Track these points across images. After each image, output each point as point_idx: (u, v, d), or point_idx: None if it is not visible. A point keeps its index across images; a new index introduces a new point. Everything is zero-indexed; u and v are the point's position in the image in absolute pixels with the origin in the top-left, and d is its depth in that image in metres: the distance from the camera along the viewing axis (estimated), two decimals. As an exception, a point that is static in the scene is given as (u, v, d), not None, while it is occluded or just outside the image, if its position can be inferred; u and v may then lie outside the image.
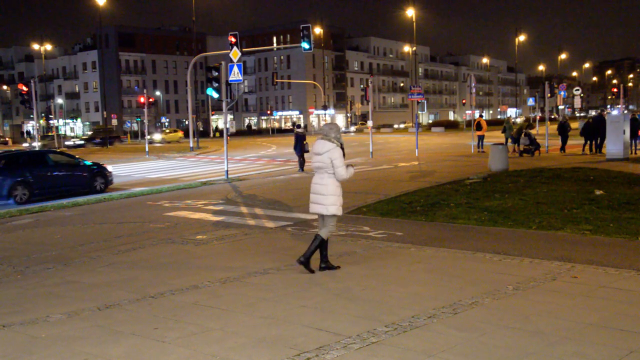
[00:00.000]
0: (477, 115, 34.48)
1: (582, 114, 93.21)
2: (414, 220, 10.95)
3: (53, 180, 17.54)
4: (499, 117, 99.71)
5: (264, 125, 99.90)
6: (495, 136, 34.71)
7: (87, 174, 18.46)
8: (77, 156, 20.53)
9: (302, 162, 21.91)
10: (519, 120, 77.52)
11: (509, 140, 27.07)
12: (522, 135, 25.37)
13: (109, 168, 19.55)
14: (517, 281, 6.61)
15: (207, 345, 5.01)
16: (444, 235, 9.46)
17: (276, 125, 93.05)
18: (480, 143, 28.38)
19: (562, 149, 26.17)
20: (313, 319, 5.60)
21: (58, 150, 24.81)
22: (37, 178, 16.97)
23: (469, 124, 49.54)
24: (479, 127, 28.63)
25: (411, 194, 13.93)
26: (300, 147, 21.81)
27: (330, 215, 7.22)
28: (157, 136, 65.50)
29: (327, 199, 7.16)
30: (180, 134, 68.05)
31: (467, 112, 69.38)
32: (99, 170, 18.88)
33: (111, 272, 7.79)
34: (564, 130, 26.52)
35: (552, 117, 72.03)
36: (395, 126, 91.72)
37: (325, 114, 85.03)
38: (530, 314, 5.52)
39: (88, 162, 19.08)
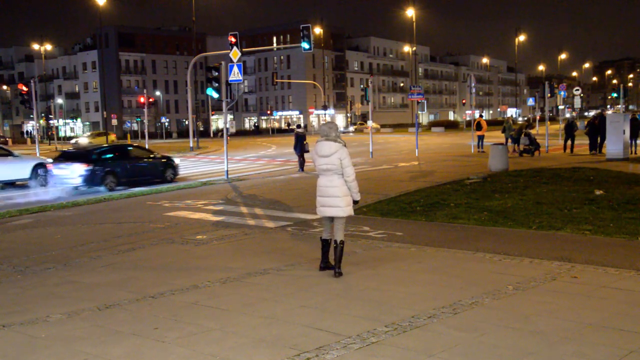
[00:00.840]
0: (477, 115, 34.50)
1: (590, 113, 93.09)
2: (414, 220, 10.95)
3: (135, 170, 19.74)
4: (499, 117, 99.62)
5: (264, 125, 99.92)
6: (496, 136, 34.71)
7: (161, 165, 20.75)
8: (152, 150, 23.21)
9: (302, 162, 21.93)
10: (520, 120, 77.48)
11: (509, 140, 27.05)
12: (522, 135, 25.37)
13: (176, 160, 21.71)
14: (517, 281, 6.61)
15: (207, 345, 5.01)
16: (444, 235, 9.46)
17: (276, 125, 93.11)
18: (480, 143, 28.37)
19: (571, 149, 26.00)
20: (313, 319, 5.60)
21: (136, 144, 27.52)
22: (122, 168, 19.20)
23: (469, 124, 49.54)
24: (479, 127, 28.65)
25: (411, 194, 13.92)
26: (301, 147, 21.83)
27: (345, 216, 7.21)
28: (83, 140, 58.47)
29: (342, 200, 7.11)
30: (112, 137, 59.82)
31: (467, 112, 69.44)
32: (169, 162, 21.10)
33: (111, 272, 7.79)
34: (571, 130, 26.38)
35: (556, 117, 72.01)
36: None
37: (325, 114, 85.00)
38: (530, 314, 5.52)
39: (159, 155, 21.36)
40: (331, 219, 7.28)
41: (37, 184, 20.44)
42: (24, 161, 21.40)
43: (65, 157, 19.62)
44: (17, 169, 20.83)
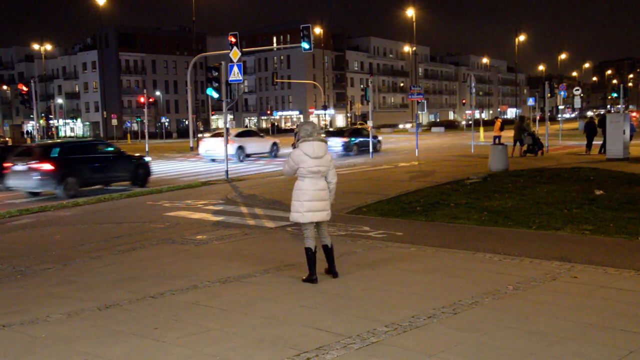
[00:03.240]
0: (477, 115, 34.62)
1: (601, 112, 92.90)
2: (414, 220, 10.95)
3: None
4: (506, 116, 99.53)
5: (263, 125, 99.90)
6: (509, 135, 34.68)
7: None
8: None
9: None
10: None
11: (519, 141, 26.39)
12: (526, 135, 25.33)
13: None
14: (517, 281, 6.61)
15: (207, 345, 5.01)
16: (444, 235, 9.46)
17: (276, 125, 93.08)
18: (498, 141, 28.59)
19: (589, 148, 25.74)
20: (313, 319, 5.60)
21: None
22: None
23: (468, 124, 49.58)
24: (501, 127, 29.14)
25: (411, 194, 13.92)
26: None
27: (329, 219, 7.05)
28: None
29: (328, 203, 6.94)
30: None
31: (467, 112, 69.39)
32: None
33: (111, 272, 7.78)
34: (591, 130, 26.01)
35: (556, 117, 71.91)
36: (401, 126, 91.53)
37: (325, 114, 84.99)
38: (530, 314, 5.52)
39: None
40: (319, 224, 6.96)
41: (272, 156, 31.20)
42: (267, 141, 31.92)
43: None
44: (264, 146, 31.41)
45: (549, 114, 33.66)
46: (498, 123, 29.61)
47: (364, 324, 5.38)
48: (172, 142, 64.19)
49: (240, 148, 29.27)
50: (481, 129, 46.76)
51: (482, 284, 6.56)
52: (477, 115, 35.41)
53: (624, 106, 49.22)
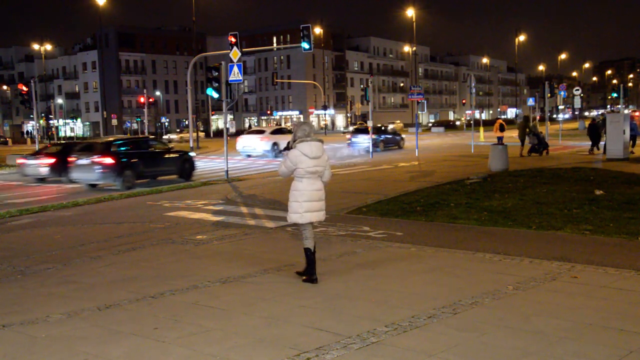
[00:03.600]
0: (477, 115, 34.76)
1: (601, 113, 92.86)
2: (414, 220, 10.95)
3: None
4: (506, 116, 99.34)
5: (264, 125, 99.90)
6: (513, 135, 34.85)
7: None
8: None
9: None
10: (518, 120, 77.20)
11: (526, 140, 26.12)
12: (531, 135, 25.37)
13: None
14: (517, 281, 6.61)
15: (207, 345, 5.01)
16: (444, 235, 9.46)
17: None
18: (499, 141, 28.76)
19: (591, 149, 25.70)
20: (313, 319, 5.60)
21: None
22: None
23: (469, 124, 49.57)
24: (501, 128, 29.38)
25: (411, 194, 13.92)
26: None
27: (323, 220, 7.06)
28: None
29: (325, 204, 6.96)
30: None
31: (467, 112, 69.41)
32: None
33: (111, 272, 7.78)
34: (593, 131, 25.97)
35: (556, 117, 71.90)
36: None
37: (325, 114, 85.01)
38: (530, 314, 5.52)
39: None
40: (311, 224, 6.93)
41: None
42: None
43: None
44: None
45: (549, 114, 33.71)
46: (497, 124, 29.79)
47: (364, 324, 5.38)
48: (172, 143, 64.18)
49: (275, 144, 31.00)
50: (481, 129, 46.76)
51: (482, 284, 6.56)
52: (477, 115, 35.99)
53: (623, 106, 49.20)
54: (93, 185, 19.38)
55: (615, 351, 4.61)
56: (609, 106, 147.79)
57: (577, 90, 44.36)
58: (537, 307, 5.71)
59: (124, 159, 18.64)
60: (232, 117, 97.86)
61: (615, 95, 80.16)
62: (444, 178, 16.94)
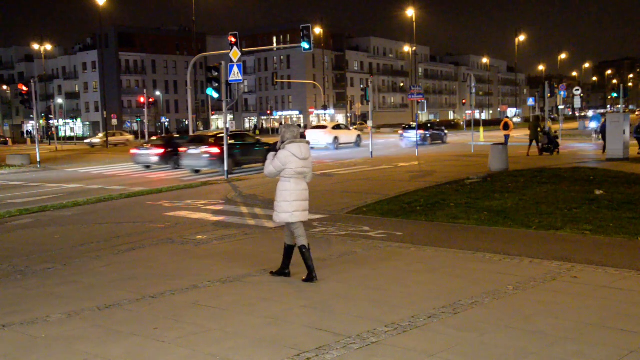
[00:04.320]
0: (477, 115, 35.03)
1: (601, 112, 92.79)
2: (414, 220, 10.95)
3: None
4: (506, 116, 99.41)
5: (264, 125, 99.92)
6: (514, 135, 35.54)
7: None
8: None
9: None
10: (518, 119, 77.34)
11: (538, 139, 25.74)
12: (542, 134, 25.44)
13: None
14: (517, 281, 6.61)
15: (207, 345, 5.01)
16: (444, 235, 9.46)
17: (276, 125, 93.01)
18: (506, 141, 29.29)
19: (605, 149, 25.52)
20: (313, 319, 5.60)
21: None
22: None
23: (468, 124, 49.66)
24: (506, 127, 30.28)
25: (411, 194, 13.92)
26: None
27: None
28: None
29: (308, 204, 7.08)
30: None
31: (467, 112, 69.40)
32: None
33: (111, 272, 7.78)
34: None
35: (557, 117, 71.90)
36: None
37: (325, 114, 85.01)
38: (530, 314, 5.52)
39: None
40: (295, 224, 7.01)
41: (356, 145, 37.57)
42: (354, 133, 39.24)
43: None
44: (351, 137, 38.34)
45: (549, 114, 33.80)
46: (502, 122, 30.71)
47: (364, 324, 5.38)
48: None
49: (336, 138, 36.69)
50: (481, 129, 46.77)
51: (482, 284, 6.56)
52: (477, 115, 36.82)
53: (623, 106, 49.21)
54: (197, 171, 23.41)
55: (615, 351, 4.61)
56: (609, 106, 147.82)
57: (577, 90, 44.36)
58: (537, 307, 5.72)
59: (228, 149, 20.89)
60: (232, 117, 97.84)
61: (615, 95, 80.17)
62: (444, 178, 16.94)
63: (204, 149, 22.48)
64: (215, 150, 22.06)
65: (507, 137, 29.58)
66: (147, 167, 26.50)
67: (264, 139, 28.38)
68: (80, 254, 9.01)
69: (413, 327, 5.27)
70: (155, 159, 25.76)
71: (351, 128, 43.51)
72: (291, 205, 6.86)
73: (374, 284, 6.72)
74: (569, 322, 5.30)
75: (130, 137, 63.60)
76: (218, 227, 10.92)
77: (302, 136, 22.09)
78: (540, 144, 25.19)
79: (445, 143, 40.45)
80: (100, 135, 61.87)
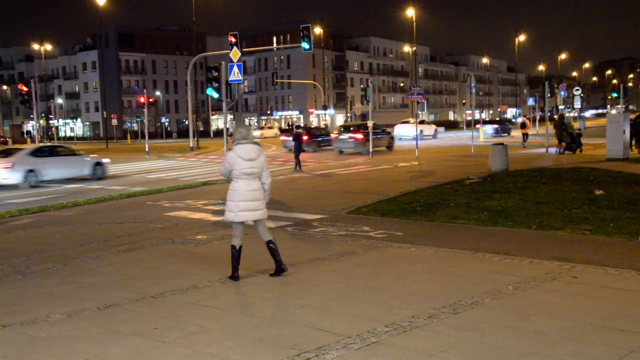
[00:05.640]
0: (477, 115, 35.24)
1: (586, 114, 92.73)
2: (414, 220, 10.95)
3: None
4: (506, 116, 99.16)
5: (264, 124, 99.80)
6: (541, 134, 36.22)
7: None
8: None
9: (298, 162, 22.12)
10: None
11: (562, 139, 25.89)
12: (565, 133, 25.59)
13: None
14: (517, 281, 6.61)
15: (207, 345, 5.01)
16: (444, 235, 9.46)
17: (276, 125, 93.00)
18: (524, 139, 32.28)
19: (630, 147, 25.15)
20: (313, 319, 5.60)
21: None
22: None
23: (469, 124, 49.73)
24: (523, 125, 32.09)
25: (411, 194, 13.92)
26: (298, 148, 22.21)
27: (265, 218, 7.21)
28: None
29: (263, 202, 7.13)
30: None
31: (467, 112, 69.47)
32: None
33: (111, 272, 7.79)
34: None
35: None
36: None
37: (325, 114, 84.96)
38: (530, 314, 5.52)
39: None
40: (256, 222, 7.18)
41: (434, 138, 46.00)
42: (432, 127, 48.75)
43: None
44: (430, 130, 47.84)
45: (549, 114, 33.92)
46: (520, 122, 31.94)
47: (364, 324, 5.38)
48: (172, 143, 64.25)
49: (422, 131, 43.95)
50: (481, 129, 46.75)
51: (482, 284, 6.56)
52: (477, 115, 38.36)
53: (623, 106, 49.19)
54: (341, 152, 31.13)
55: (615, 351, 4.61)
56: (609, 106, 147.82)
57: (577, 90, 44.35)
58: (537, 307, 5.72)
59: (367, 136, 28.41)
60: (232, 117, 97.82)
61: (615, 95, 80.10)
62: (444, 178, 16.94)
63: (351, 135, 30.58)
64: (360, 136, 29.94)
65: (525, 135, 30.46)
66: (290, 150, 32.62)
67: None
68: (80, 254, 9.01)
69: (413, 327, 5.27)
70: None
71: (431, 123, 52.76)
72: (237, 205, 6.97)
73: (374, 284, 6.72)
74: (569, 322, 5.30)
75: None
76: (218, 227, 10.92)
77: (369, 127, 27.62)
78: (564, 143, 25.44)
79: (511, 135, 46.71)
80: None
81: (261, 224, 7.23)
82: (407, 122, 48.37)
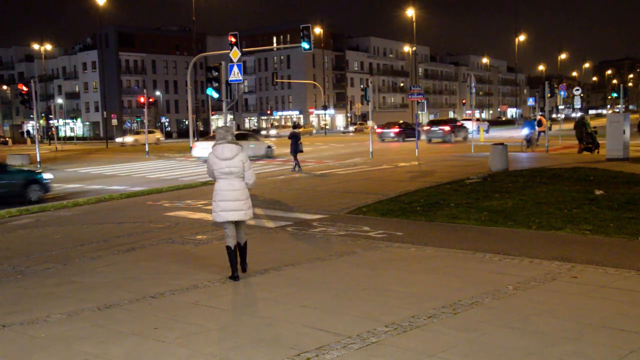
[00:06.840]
0: (477, 114, 35.30)
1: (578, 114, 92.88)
2: (414, 220, 10.95)
3: None
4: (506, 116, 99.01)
5: (263, 125, 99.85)
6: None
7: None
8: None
9: (297, 162, 22.14)
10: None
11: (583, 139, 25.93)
12: (585, 134, 25.73)
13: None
14: (517, 281, 6.61)
15: (207, 345, 5.01)
16: (444, 235, 9.46)
17: (276, 124, 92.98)
18: (539, 137, 31.83)
19: None
20: (313, 319, 5.60)
21: None
22: None
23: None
24: (539, 124, 31.46)
25: (411, 194, 13.92)
26: (295, 148, 22.24)
27: (248, 219, 7.19)
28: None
29: (245, 203, 7.07)
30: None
31: (467, 112, 69.44)
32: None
33: (111, 272, 7.79)
34: None
35: (557, 116, 71.89)
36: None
37: (325, 114, 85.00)
38: (530, 314, 5.52)
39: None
40: (237, 223, 7.15)
41: (464, 140, 42.74)
42: (465, 127, 45.87)
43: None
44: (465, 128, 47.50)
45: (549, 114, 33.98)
46: (537, 120, 32.11)
47: (364, 324, 5.38)
48: (172, 143, 64.21)
49: (452, 131, 47.86)
50: (481, 129, 46.77)
51: (482, 284, 6.56)
52: (477, 115, 38.12)
53: (623, 106, 49.20)
54: (430, 140, 39.64)
55: (615, 351, 4.61)
56: (609, 106, 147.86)
57: (577, 90, 44.32)
58: (537, 307, 5.71)
59: (454, 129, 38.69)
60: (232, 117, 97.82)
61: (615, 95, 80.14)
62: (444, 178, 16.94)
63: (440, 127, 40.27)
64: (447, 128, 39.78)
65: (540, 133, 30.83)
66: (383, 140, 42.66)
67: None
68: (80, 254, 9.01)
69: (413, 327, 5.27)
70: (392, 136, 44.05)
71: (461, 122, 52.59)
72: (217, 205, 7.02)
73: (374, 284, 6.72)
74: (569, 322, 5.30)
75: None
76: (218, 227, 10.92)
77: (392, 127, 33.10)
78: (583, 143, 25.57)
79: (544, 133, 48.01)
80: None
81: (242, 225, 7.24)
82: (438, 122, 49.06)
